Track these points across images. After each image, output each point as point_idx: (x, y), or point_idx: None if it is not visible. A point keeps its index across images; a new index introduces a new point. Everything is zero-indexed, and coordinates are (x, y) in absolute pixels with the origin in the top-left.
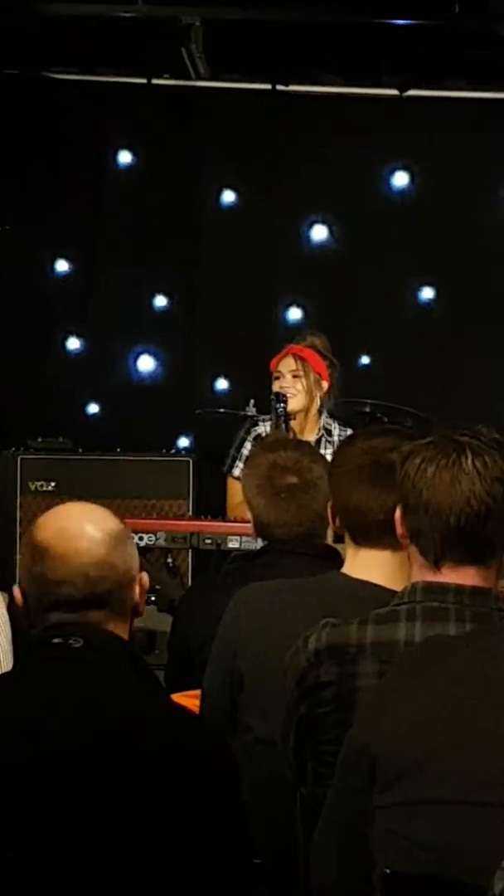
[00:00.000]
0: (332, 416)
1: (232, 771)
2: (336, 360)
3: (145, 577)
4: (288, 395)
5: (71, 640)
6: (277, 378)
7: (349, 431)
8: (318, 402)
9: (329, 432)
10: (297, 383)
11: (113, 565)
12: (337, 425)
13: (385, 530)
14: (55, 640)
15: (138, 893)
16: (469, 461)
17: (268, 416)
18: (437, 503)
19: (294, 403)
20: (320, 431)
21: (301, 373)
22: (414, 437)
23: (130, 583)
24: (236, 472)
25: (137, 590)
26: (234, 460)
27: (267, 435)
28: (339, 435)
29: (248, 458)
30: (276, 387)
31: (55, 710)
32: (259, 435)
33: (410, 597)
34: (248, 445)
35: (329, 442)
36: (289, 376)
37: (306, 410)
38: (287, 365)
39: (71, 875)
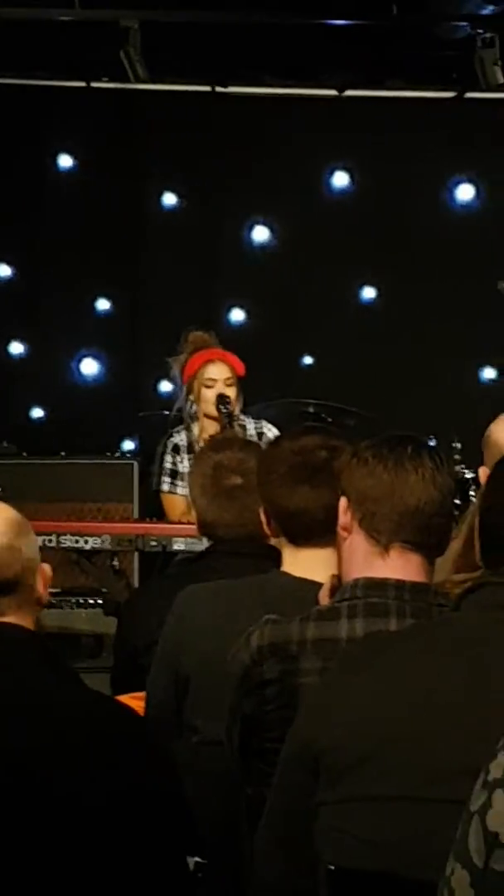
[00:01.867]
0: (244, 411)
1: (158, 756)
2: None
3: (47, 567)
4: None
5: None
6: (210, 386)
7: (263, 424)
8: (241, 405)
9: (244, 428)
10: (231, 390)
11: (18, 550)
12: (250, 420)
13: (326, 528)
14: None
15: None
16: (426, 454)
17: (182, 426)
18: (400, 485)
19: (234, 407)
20: (237, 427)
21: (233, 379)
22: (336, 433)
23: (35, 570)
24: (165, 486)
25: (41, 580)
26: (159, 476)
27: (213, 434)
28: (256, 429)
29: (171, 469)
30: (211, 394)
31: None
32: (176, 445)
33: (351, 593)
34: (168, 458)
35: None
36: (222, 383)
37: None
38: (221, 372)
39: None
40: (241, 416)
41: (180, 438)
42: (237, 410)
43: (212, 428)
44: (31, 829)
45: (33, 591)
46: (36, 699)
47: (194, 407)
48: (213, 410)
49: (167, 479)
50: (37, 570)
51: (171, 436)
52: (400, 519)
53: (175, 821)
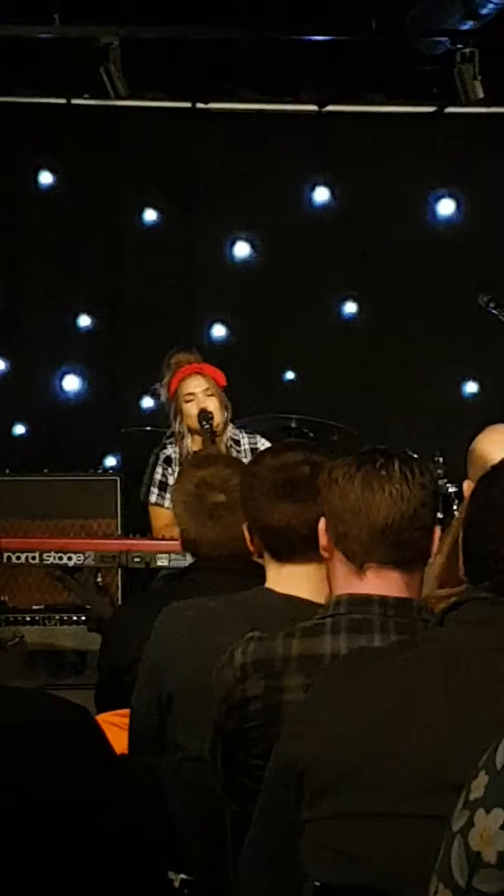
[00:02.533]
0: (236, 425)
1: (107, 758)
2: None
3: None
4: (207, 410)
5: None
6: (190, 400)
7: (257, 439)
8: (227, 413)
9: (237, 442)
10: (210, 401)
11: None
12: (244, 434)
13: (309, 544)
14: None
15: None
16: (396, 467)
17: (172, 440)
18: (365, 504)
19: (217, 419)
20: (228, 442)
21: (212, 389)
22: (318, 449)
23: None
24: (153, 497)
25: None
26: (148, 487)
27: (196, 451)
28: (251, 443)
29: (161, 481)
30: (193, 408)
31: None
32: (168, 457)
33: (335, 609)
34: (159, 470)
35: (238, 452)
36: (201, 395)
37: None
38: (198, 384)
39: None
40: (236, 431)
41: (173, 451)
42: (226, 421)
43: (199, 443)
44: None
45: None
46: None
47: (180, 426)
48: (196, 424)
49: (155, 491)
50: None
51: (165, 447)
52: (370, 539)
53: (145, 829)
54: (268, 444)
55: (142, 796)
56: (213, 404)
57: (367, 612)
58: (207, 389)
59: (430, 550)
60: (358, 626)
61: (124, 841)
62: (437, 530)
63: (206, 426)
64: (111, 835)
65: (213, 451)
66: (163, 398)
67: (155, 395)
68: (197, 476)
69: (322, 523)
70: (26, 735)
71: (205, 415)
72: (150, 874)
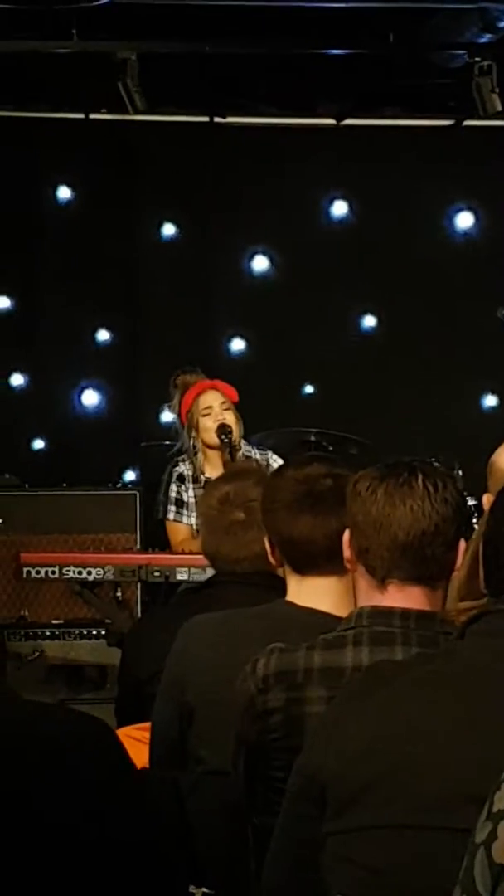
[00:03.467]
0: (249, 441)
1: (130, 774)
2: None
3: None
4: (226, 423)
5: None
6: (207, 414)
7: (269, 455)
8: (241, 430)
9: (248, 458)
10: (227, 415)
11: None
12: (256, 450)
13: (330, 557)
14: None
15: None
16: (420, 481)
17: (184, 457)
18: (386, 519)
19: (235, 433)
20: (241, 458)
21: (228, 404)
22: (339, 462)
23: None
24: (171, 515)
25: None
26: (165, 505)
27: (231, 464)
28: (262, 459)
29: (177, 498)
30: (210, 422)
31: None
32: (181, 475)
33: (357, 622)
34: (174, 488)
35: None
36: (218, 408)
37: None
38: (215, 398)
39: None
40: (248, 447)
41: (185, 468)
42: (238, 437)
43: (214, 458)
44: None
45: None
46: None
47: (195, 442)
48: (213, 439)
49: (173, 508)
50: None
51: (176, 464)
52: (391, 555)
53: (162, 842)
54: (280, 460)
55: (157, 810)
56: (230, 418)
57: (389, 624)
58: (224, 403)
59: (453, 565)
60: (380, 639)
61: (135, 854)
62: (462, 544)
63: (226, 439)
64: (120, 847)
65: (247, 466)
66: (171, 418)
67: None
68: (222, 491)
69: (346, 535)
70: (37, 747)
71: (224, 428)
72: (163, 887)
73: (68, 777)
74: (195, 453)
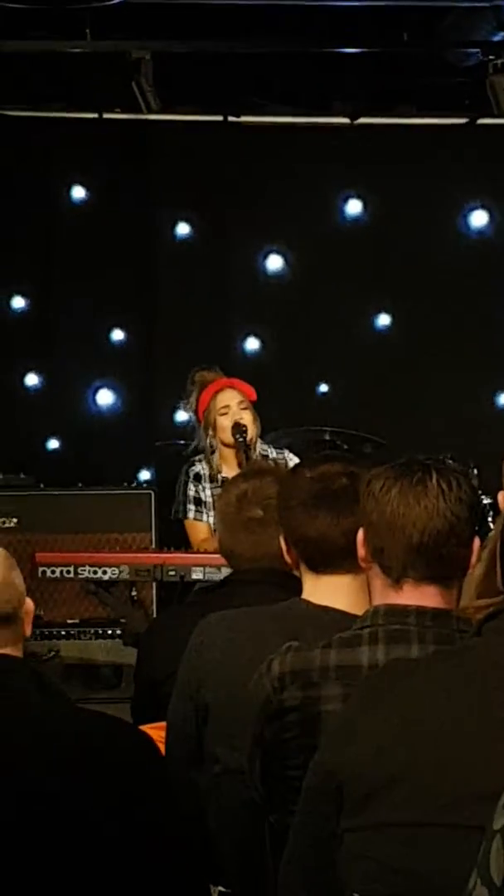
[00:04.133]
0: (265, 440)
1: (159, 773)
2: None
3: (30, 602)
4: (243, 423)
5: None
6: (225, 413)
7: (285, 454)
8: (258, 429)
9: (265, 457)
10: (245, 414)
11: (12, 584)
12: (273, 449)
13: (346, 555)
14: None
15: None
16: (434, 481)
17: (200, 456)
18: (400, 519)
19: (252, 432)
20: (258, 457)
21: (246, 403)
22: (355, 460)
23: (24, 603)
24: (190, 514)
25: (27, 614)
26: (184, 504)
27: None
28: (279, 458)
29: (196, 497)
30: (227, 420)
31: None
32: (197, 473)
33: (373, 620)
34: (192, 487)
35: None
36: (236, 407)
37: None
38: (233, 397)
39: None
40: (264, 446)
41: (201, 467)
42: (255, 436)
43: (231, 457)
44: (41, 853)
45: (23, 624)
46: (41, 727)
47: (212, 441)
48: (230, 438)
49: (192, 507)
50: (24, 604)
51: (193, 464)
52: (406, 555)
53: (186, 841)
54: (296, 459)
55: (179, 807)
56: (247, 417)
57: (404, 622)
58: (241, 402)
59: (468, 563)
60: (396, 637)
61: (160, 848)
62: (477, 542)
63: (241, 439)
64: (146, 841)
65: (265, 465)
66: (188, 416)
67: (187, 415)
68: (240, 488)
69: (360, 534)
70: (67, 746)
71: (239, 427)
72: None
73: (97, 776)
74: (212, 452)
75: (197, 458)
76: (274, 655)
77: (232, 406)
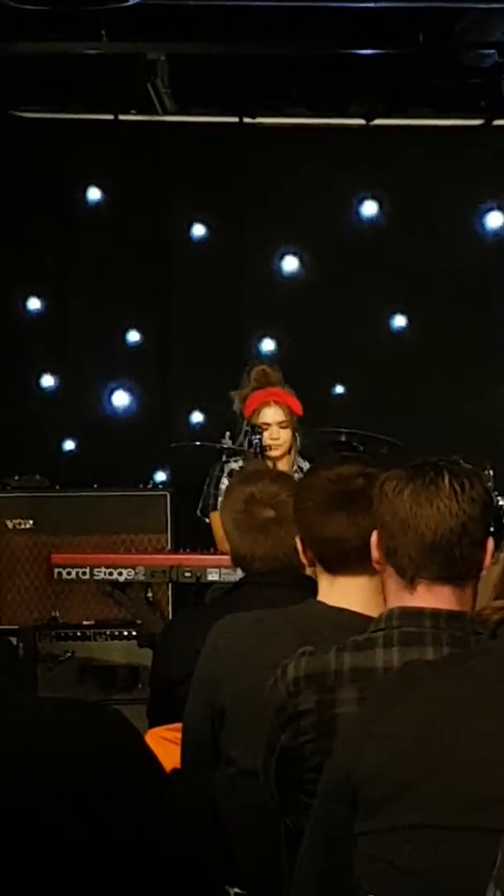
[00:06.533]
0: (301, 454)
1: (140, 761)
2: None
3: None
4: (275, 444)
5: None
6: (265, 429)
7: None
8: (297, 444)
9: (301, 469)
10: (285, 433)
11: None
12: (307, 462)
13: (362, 556)
14: None
15: None
16: (446, 481)
17: (240, 457)
18: (413, 520)
19: (283, 451)
20: (294, 468)
21: (287, 422)
22: (371, 462)
23: None
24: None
25: None
26: (214, 497)
27: (243, 466)
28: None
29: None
30: (265, 438)
31: None
32: (232, 470)
33: (387, 623)
34: (225, 481)
35: None
36: (275, 427)
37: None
38: (275, 416)
39: None
40: (302, 462)
41: (237, 465)
42: (294, 452)
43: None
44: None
45: None
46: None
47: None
48: (267, 450)
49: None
50: None
51: (228, 462)
52: (419, 556)
53: (183, 843)
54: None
55: (188, 809)
56: (284, 436)
57: (419, 625)
58: (283, 422)
59: (482, 564)
60: (410, 639)
61: (162, 856)
62: (491, 542)
63: (255, 441)
64: (143, 849)
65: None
66: (236, 407)
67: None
68: (245, 492)
69: (374, 536)
70: (41, 752)
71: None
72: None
73: (78, 784)
74: (257, 455)
75: (234, 458)
76: (288, 660)
77: (272, 425)
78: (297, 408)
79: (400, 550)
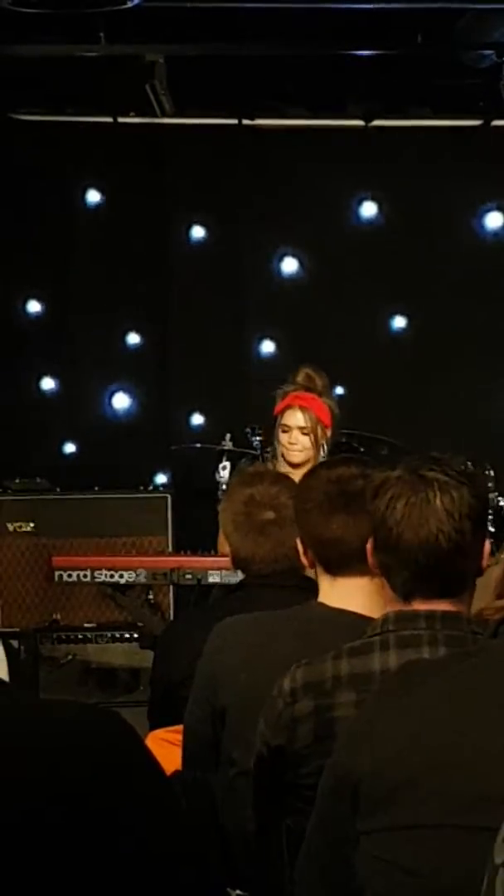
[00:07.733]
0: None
1: (140, 762)
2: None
3: None
4: (293, 449)
5: None
6: (286, 432)
7: None
8: (322, 451)
9: None
10: (305, 439)
11: None
12: None
13: (362, 558)
14: None
15: None
16: (437, 499)
17: (261, 456)
18: (405, 542)
19: (301, 457)
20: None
21: (309, 428)
22: (372, 463)
23: None
24: None
25: None
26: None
27: (241, 465)
28: None
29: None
30: (284, 440)
31: None
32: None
33: (383, 627)
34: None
35: None
36: (296, 432)
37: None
38: (295, 420)
39: None
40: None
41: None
42: (316, 460)
43: (286, 469)
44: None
45: None
46: None
47: (277, 446)
48: (285, 453)
49: None
50: None
51: (252, 464)
52: (412, 576)
53: (184, 847)
54: None
55: (188, 810)
56: (304, 442)
57: (415, 627)
58: (304, 428)
59: (479, 570)
60: (406, 642)
61: (162, 859)
62: (488, 545)
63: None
64: (143, 856)
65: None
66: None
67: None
68: (245, 494)
69: (370, 544)
70: (34, 756)
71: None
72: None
73: (77, 785)
74: (273, 457)
75: (259, 456)
76: (284, 675)
77: (293, 429)
78: (326, 418)
79: (393, 570)
